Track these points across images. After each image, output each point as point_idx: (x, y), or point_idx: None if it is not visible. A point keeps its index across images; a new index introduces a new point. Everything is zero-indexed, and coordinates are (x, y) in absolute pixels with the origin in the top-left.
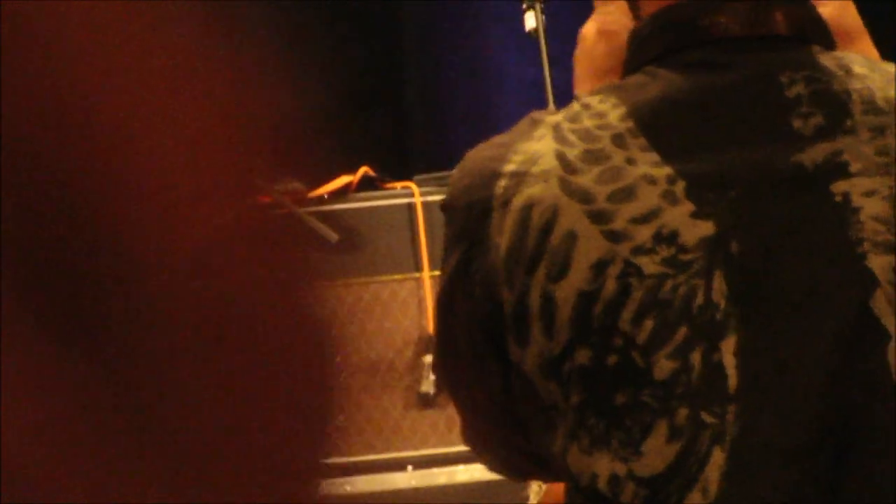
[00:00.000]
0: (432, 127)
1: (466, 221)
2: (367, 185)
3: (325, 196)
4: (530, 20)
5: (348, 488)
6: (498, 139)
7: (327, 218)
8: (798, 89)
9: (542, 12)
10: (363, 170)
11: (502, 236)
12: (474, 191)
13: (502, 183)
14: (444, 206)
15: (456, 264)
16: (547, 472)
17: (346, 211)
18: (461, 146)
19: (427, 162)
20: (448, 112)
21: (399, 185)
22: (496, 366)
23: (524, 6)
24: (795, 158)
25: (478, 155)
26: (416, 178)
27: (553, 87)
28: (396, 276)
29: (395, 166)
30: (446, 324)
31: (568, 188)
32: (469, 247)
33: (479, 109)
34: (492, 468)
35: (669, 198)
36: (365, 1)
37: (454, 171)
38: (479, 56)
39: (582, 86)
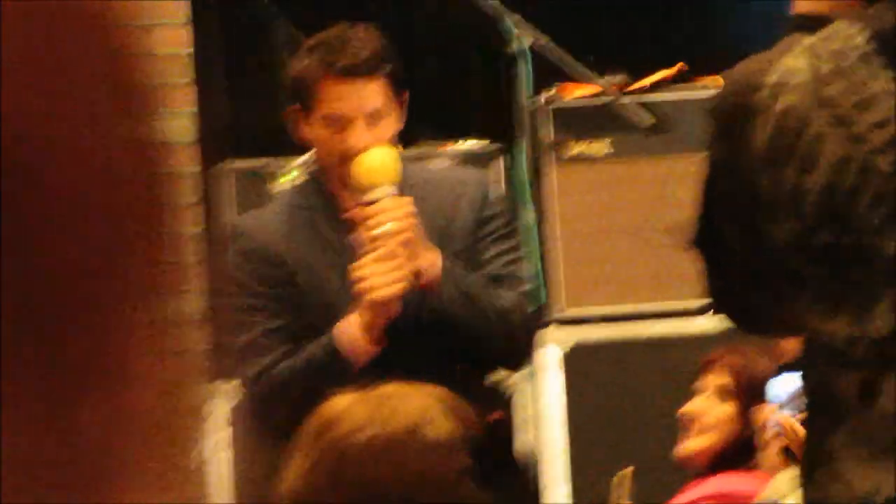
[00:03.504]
0: (740, 29)
1: (732, 122)
2: (681, 79)
3: (646, 87)
4: None
5: (657, 329)
6: (762, 55)
7: (646, 105)
8: None
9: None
10: (679, 65)
11: (763, 135)
12: (741, 96)
13: (765, 91)
14: (714, 108)
15: (722, 156)
16: (783, 328)
17: (659, 100)
18: (753, 50)
19: (735, 60)
20: (748, 20)
21: (708, 79)
22: (748, 238)
23: None
24: None
25: (745, 67)
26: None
27: None
28: (698, 153)
29: (707, 64)
30: (709, 204)
31: (819, 97)
32: (734, 142)
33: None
34: (736, 324)
35: None
36: None
37: (724, 80)
38: None
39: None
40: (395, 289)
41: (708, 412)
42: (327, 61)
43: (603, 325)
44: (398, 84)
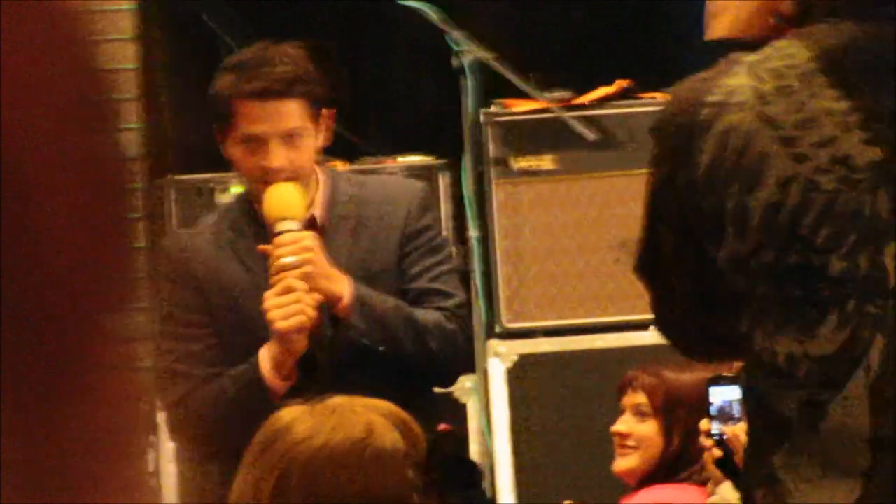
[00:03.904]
0: (686, 45)
1: (674, 141)
2: (625, 95)
3: (586, 103)
4: None
5: (600, 343)
6: (701, 75)
7: (591, 121)
8: None
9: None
10: (625, 82)
11: (705, 155)
12: (683, 116)
13: (706, 111)
14: (655, 128)
15: (664, 178)
16: (728, 352)
17: (604, 116)
18: (700, 66)
19: (680, 77)
20: (694, 37)
21: (653, 95)
22: (693, 261)
23: None
24: None
25: (686, 86)
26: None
27: None
28: (643, 171)
29: (654, 81)
30: (653, 227)
31: (761, 116)
32: (676, 163)
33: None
34: (679, 348)
35: (844, 127)
36: None
37: (666, 99)
38: None
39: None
40: (292, 322)
41: (630, 433)
42: (241, 82)
43: (546, 338)
44: (318, 103)
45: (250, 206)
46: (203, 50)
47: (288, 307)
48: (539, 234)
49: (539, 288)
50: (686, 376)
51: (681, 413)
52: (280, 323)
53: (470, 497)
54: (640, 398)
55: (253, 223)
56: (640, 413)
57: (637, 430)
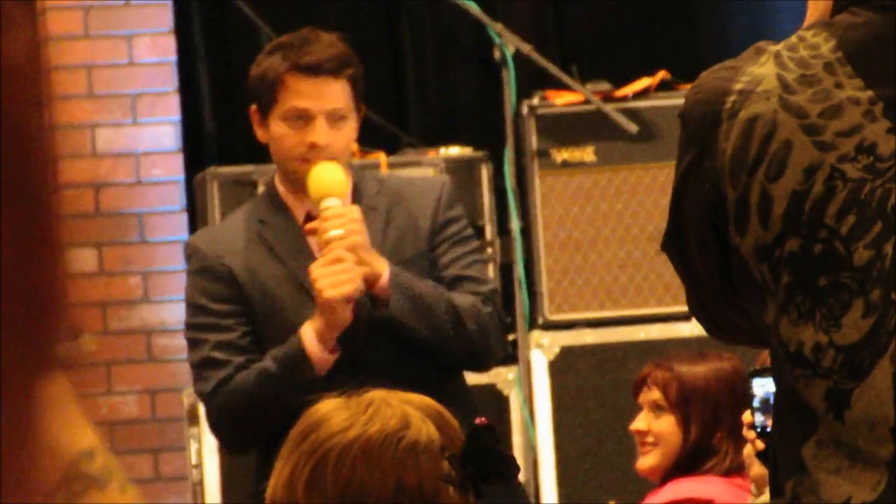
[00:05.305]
0: (723, 36)
1: (699, 129)
2: (664, 86)
3: (629, 95)
4: None
5: (642, 335)
6: (729, 63)
7: (630, 113)
8: None
9: None
10: (661, 74)
11: (729, 142)
12: (707, 104)
13: (731, 98)
14: (681, 115)
15: (689, 163)
16: (751, 338)
17: (645, 108)
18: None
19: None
20: (731, 27)
21: (689, 87)
22: (717, 248)
23: None
24: None
25: (711, 75)
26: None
27: None
28: None
29: (688, 71)
30: (678, 212)
31: (786, 105)
32: (701, 150)
33: (758, 25)
34: (709, 333)
35: (869, 116)
36: None
37: (690, 87)
38: None
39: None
40: (343, 290)
41: (649, 429)
42: (291, 58)
43: (589, 330)
44: (359, 90)
45: (277, 196)
46: (242, 43)
47: (336, 276)
48: (581, 225)
49: (581, 279)
50: (700, 368)
51: (696, 405)
52: (329, 291)
53: (506, 490)
54: (655, 394)
55: (280, 212)
56: (656, 409)
57: (655, 427)
